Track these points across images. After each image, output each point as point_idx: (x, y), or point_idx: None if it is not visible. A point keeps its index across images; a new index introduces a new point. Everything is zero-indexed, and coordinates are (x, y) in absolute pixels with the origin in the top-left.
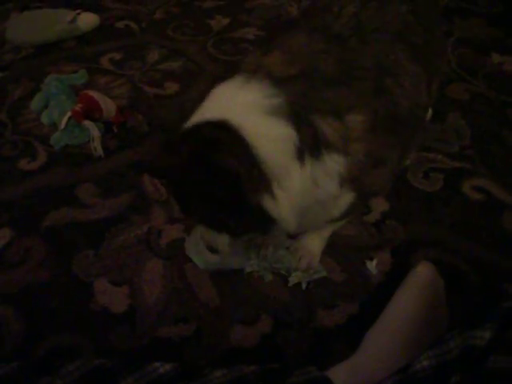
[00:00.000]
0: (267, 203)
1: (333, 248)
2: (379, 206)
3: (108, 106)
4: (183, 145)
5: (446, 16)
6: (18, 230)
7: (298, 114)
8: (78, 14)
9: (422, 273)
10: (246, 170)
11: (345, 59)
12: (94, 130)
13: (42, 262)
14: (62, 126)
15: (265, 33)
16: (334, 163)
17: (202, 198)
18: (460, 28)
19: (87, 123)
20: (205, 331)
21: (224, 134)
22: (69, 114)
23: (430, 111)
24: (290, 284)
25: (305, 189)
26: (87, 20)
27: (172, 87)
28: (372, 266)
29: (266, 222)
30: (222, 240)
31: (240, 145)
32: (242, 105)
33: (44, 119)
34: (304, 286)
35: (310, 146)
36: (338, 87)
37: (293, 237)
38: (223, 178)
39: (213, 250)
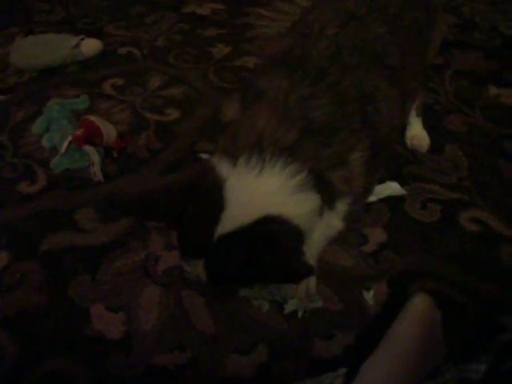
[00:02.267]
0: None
1: (330, 278)
2: (376, 236)
3: (109, 132)
4: (241, 246)
5: (444, 48)
6: (16, 253)
7: (318, 180)
8: (82, 39)
9: (419, 304)
10: (300, 252)
11: (333, 101)
12: (94, 154)
13: (38, 286)
14: (63, 150)
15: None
16: (342, 205)
17: (259, 278)
18: (458, 60)
19: (87, 148)
20: (201, 359)
21: (274, 230)
22: (69, 138)
23: (428, 142)
24: (285, 311)
25: (322, 235)
26: (90, 46)
27: (173, 114)
28: (369, 296)
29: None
30: None
31: (292, 233)
32: (272, 194)
33: (45, 143)
34: (300, 314)
35: (327, 201)
36: (338, 133)
37: None
38: (281, 265)
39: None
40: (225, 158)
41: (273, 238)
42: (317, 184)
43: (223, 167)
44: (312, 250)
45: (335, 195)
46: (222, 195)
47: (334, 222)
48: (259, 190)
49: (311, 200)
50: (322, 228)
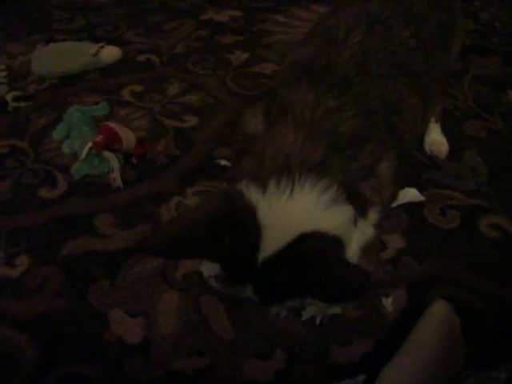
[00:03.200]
0: None
1: None
2: (395, 242)
3: (128, 138)
4: (283, 267)
5: (463, 53)
6: (36, 257)
7: (349, 192)
8: (102, 47)
9: (438, 311)
10: (344, 258)
11: (360, 112)
12: (113, 161)
13: (58, 291)
14: (83, 156)
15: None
16: (374, 214)
17: (311, 294)
18: (476, 65)
19: (107, 154)
20: (219, 365)
21: (312, 245)
22: (89, 144)
23: (447, 148)
24: (303, 318)
25: (358, 243)
26: (110, 53)
27: (191, 120)
28: (388, 303)
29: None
30: None
31: (331, 243)
32: (305, 213)
33: (65, 149)
34: (318, 320)
35: (360, 211)
36: (365, 145)
37: None
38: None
39: None
40: (253, 183)
41: (312, 252)
42: (349, 196)
43: (252, 194)
44: (352, 260)
45: (367, 205)
46: (257, 222)
47: (367, 229)
48: (293, 211)
49: (345, 211)
50: (357, 236)
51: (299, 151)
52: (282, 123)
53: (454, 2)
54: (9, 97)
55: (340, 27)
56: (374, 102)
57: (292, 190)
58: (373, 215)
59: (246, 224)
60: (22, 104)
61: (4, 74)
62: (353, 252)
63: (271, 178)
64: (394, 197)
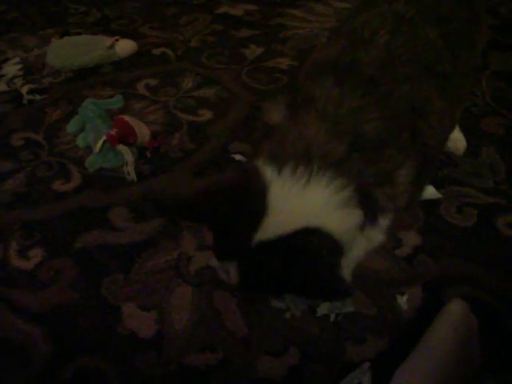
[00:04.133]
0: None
1: (363, 282)
2: (411, 240)
3: (142, 132)
4: (278, 255)
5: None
6: (50, 250)
7: (363, 196)
8: (117, 40)
9: (455, 310)
10: (338, 268)
11: (384, 115)
12: (127, 154)
13: (71, 284)
14: (97, 149)
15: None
16: (385, 221)
17: (293, 289)
18: (496, 61)
19: (121, 147)
20: (232, 361)
21: (314, 243)
22: (104, 137)
23: (464, 145)
24: (317, 314)
25: (361, 249)
26: (125, 46)
27: (206, 114)
28: (403, 301)
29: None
30: None
31: (332, 248)
32: (315, 207)
33: (79, 142)
34: (332, 318)
35: (370, 217)
36: (386, 149)
37: None
38: (318, 280)
39: None
40: (270, 163)
41: (312, 250)
42: (361, 200)
43: (268, 172)
44: (350, 264)
45: (378, 212)
46: (265, 201)
47: (375, 236)
48: (303, 201)
49: (354, 216)
50: (362, 242)
51: (321, 144)
52: (306, 114)
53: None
54: (24, 90)
55: (365, 27)
56: (399, 104)
57: (308, 180)
58: (383, 222)
59: (254, 199)
60: (37, 97)
61: (19, 66)
62: (354, 257)
63: (289, 161)
64: (411, 204)
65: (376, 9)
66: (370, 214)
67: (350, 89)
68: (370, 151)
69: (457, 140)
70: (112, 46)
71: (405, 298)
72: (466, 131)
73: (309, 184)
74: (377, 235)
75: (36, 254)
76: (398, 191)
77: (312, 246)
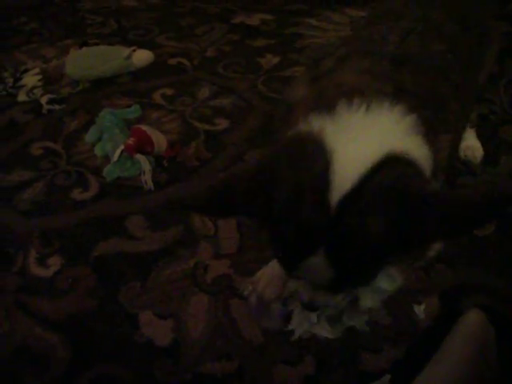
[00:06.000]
0: None
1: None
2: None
3: (159, 141)
4: (376, 200)
5: (499, 57)
6: (68, 258)
7: (424, 122)
8: (134, 50)
9: (472, 321)
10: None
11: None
12: (145, 163)
13: (89, 291)
14: (115, 158)
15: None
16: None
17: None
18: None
19: (139, 157)
20: (248, 369)
21: (409, 170)
22: (121, 147)
23: (482, 153)
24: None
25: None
26: (142, 56)
27: (222, 124)
28: (420, 310)
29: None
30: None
31: (420, 172)
32: (388, 132)
33: (97, 151)
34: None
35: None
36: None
37: None
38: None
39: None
40: (314, 111)
41: (409, 180)
42: (424, 125)
43: (314, 121)
44: None
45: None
46: (324, 149)
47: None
48: (371, 130)
49: (422, 142)
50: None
51: (369, 83)
52: (340, 68)
53: (485, 25)
54: (43, 100)
55: (374, 35)
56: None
57: (367, 109)
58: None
59: (308, 156)
60: (56, 107)
61: (39, 77)
62: None
63: (339, 100)
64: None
65: (384, 23)
66: (432, 137)
67: (377, 60)
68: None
69: (474, 149)
70: (129, 57)
71: (422, 307)
72: (483, 139)
73: (370, 110)
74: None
75: (55, 262)
76: (449, 121)
77: (406, 174)
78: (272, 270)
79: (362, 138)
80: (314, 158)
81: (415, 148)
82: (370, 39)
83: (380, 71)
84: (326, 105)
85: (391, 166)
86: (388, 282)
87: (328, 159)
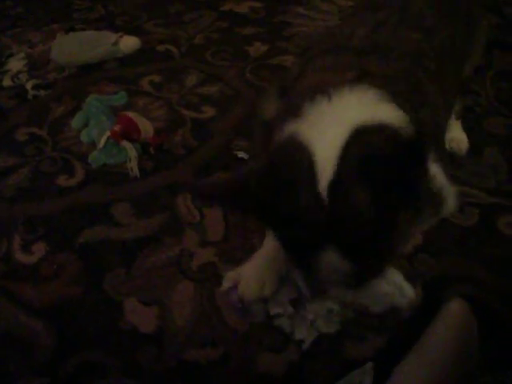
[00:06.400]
0: None
1: None
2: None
3: (146, 128)
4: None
5: (485, 49)
6: (53, 245)
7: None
8: (121, 36)
9: (455, 310)
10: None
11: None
12: (131, 150)
13: (74, 278)
14: (101, 145)
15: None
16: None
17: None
18: (499, 61)
19: (125, 144)
20: (232, 356)
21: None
22: (108, 133)
23: (467, 145)
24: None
25: None
26: (129, 43)
27: (209, 111)
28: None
29: None
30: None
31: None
32: (359, 105)
33: (83, 138)
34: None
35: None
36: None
37: None
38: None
39: None
40: (286, 122)
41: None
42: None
43: (287, 129)
44: None
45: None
46: (302, 149)
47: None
48: (335, 114)
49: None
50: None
51: (331, 78)
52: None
53: (472, 16)
54: (28, 85)
55: (344, 31)
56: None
57: (329, 98)
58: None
59: (290, 156)
60: (42, 92)
61: (24, 62)
62: None
63: (304, 102)
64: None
65: (358, 16)
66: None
67: (344, 55)
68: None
69: (459, 140)
70: (116, 43)
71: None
72: (468, 131)
73: (333, 98)
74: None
75: (39, 249)
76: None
77: (372, 140)
78: (254, 267)
79: (329, 125)
80: (297, 160)
81: (387, 113)
82: (340, 36)
83: (343, 64)
84: (295, 112)
85: (359, 138)
86: (400, 295)
87: (307, 156)
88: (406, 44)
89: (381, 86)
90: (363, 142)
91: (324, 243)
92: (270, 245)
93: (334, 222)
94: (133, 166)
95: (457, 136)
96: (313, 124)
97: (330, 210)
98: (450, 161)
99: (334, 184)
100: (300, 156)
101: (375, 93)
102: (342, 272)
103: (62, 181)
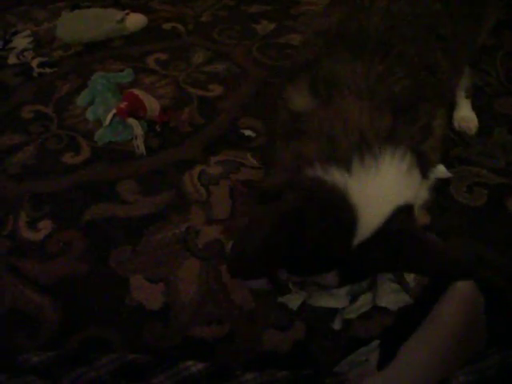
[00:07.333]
0: None
1: None
2: (420, 218)
3: (152, 105)
4: (385, 244)
5: (496, 29)
6: (59, 222)
7: (417, 156)
8: (127, 14)
9: (462, 289)
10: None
11: (406, 73)
12: (137, 128)
13: (80, 255)
14: (107, 122)
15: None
16: (431, 174)
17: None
18: (509, 41)
19: (131, 121)
20: (238, 333)
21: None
22: (113, 111)
23: (476, 124)
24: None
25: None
26: (135, 20)
27: (216, 90)
28: (410, 278)
29: None
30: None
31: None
32: (394, 185)
33: (89, 115)
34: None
35: (424, 174)
36: (420, 105)
37: None
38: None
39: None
40: (333, 165)
41: (406, 226)
42: (417, 160)
43: (336, 176)
44: None
45: (429, 166)
46: (350, 204)
47: (423, 193)
48: (383, 187)
49: (417, 177)
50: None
51: (370, 123)
52: (339, 97)
53: None
54: (34, 63)
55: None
56: (415, 60)
57: (377, 164)
58: (431, 176)
59: (337, 208)
60: (47, 70)
61: (29, 39)
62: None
63: (353, 155)
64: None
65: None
66: (425, 170)
67: (369, 58)
68: (409, 111)
69: (469, 119)
70: (122, 20)
71: (412, 275)
72: (478, 111)
73: (380, 167)
74: (425, 192)
75: (45, 226)
76: (437, 142)
77: (407, 222)
78: None
79: (378, 197)
80: (344, 212)
81: (412, 189)
82: (355, 7)
83: (375, 84)
84: (343, 160)
85: (396, 216)
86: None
87: (355, 215)
88: (420, 16)
89: (405, 139)
90: (396, 223)
91: (332, 270)
92: None
93: (352, 265)
94: (139, 144)
95: (466, 115)
96: (362, 189)
97: (354, 257)
98: (460, 140)
99: (367, 244)
100: (345, 210)
101: (408, 160)
102: (331, 283)
103: (68, 158)
